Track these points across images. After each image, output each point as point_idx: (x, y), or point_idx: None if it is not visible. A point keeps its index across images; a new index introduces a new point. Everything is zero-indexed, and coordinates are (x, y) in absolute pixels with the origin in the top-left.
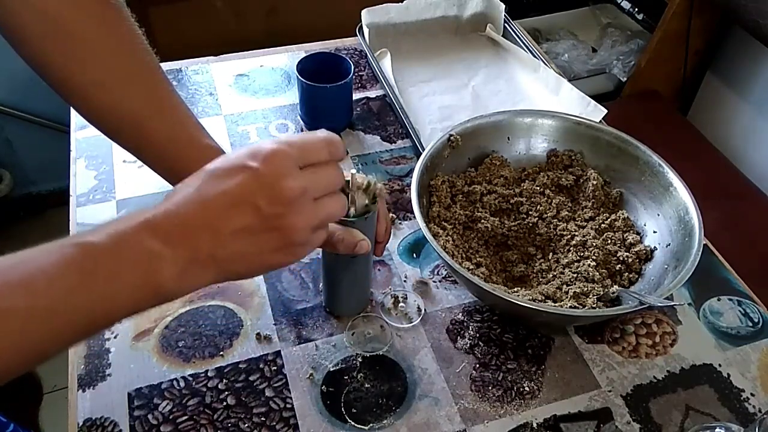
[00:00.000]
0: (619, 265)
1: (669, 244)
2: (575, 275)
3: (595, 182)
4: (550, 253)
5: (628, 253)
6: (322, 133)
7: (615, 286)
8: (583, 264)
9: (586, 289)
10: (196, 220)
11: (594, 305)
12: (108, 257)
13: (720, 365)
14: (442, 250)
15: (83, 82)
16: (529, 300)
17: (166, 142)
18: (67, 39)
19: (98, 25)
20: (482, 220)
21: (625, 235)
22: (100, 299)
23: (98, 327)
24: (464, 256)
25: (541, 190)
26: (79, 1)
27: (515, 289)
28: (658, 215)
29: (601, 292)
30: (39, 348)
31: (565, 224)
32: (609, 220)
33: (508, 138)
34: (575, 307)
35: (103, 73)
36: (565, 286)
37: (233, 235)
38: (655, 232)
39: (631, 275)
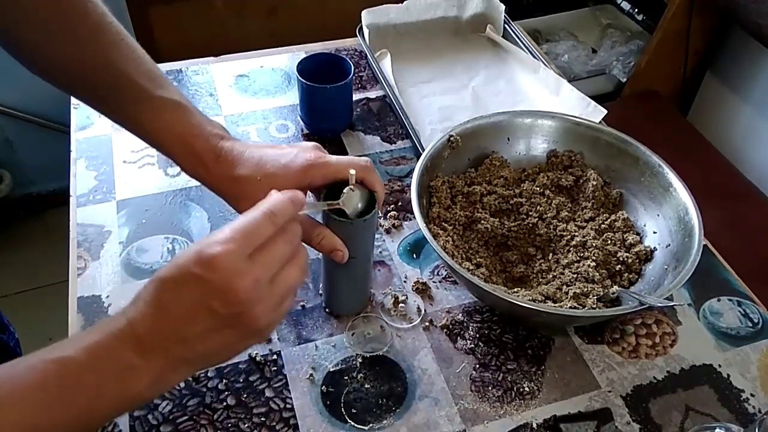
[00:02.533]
0: (619, 266)
1: (669, 245)
2: (575, 276)
3: (594, 183)
4: (550, 254)
5: (628, 254)
6: (264, 205)
7: (615, 287)
8: (583, 264)
9: (586, 289)
10: (163, 331)
11: (594, 306)
12: (88, 374)
13: (720, 366)
14: (442, 250)
15: (26, 40)
16: (529, 300)
17: (116, 96)
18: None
19: None
20: (482, 221)
21: (625, 236)
22: (81, 413)
23: None
24: (464, 256)
25: (541, 190)
26: None
27: (515, 290)
28: (658, 216)
29: (601, 293)
30: None
31: (565, 225)
32: (609, 220)
33: (508, 138)
34: (575, 308)
35: (44, 32)
36: (565, 287)
37: (199, 338)
38: (655, 232)
39: (631, 276)
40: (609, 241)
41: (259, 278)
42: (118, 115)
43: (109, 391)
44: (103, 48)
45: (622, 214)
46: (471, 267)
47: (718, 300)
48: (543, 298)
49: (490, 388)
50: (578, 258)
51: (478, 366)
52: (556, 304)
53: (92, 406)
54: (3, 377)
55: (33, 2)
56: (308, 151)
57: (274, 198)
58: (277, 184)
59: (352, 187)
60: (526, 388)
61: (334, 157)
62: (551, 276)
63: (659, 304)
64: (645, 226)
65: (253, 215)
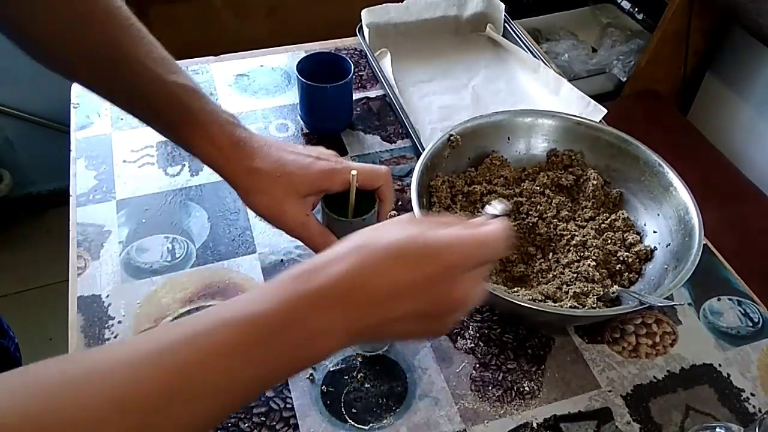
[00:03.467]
0: (619, 265)
1: (669, 244)
2: (575, 275)
3: (595, 182)
4: (550, 253)
5: (628, 253)
6: (501, 228)
7: (615, 286)
8: (583, 264)
9: (586, 289)
10: (367, 301)
11: (594, 305)
12: (286, 332)
13: (720, 365)
14: None
15: (41, 32)
16: (529, 300)
17: (128, 82)
18: None
19: None
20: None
21: (625, 235)
22: (273, 371)
23: (258, 394)
24: None
25: (541, 190)
26: None
27: (515, 289)
28: (658, 215)
29: (601, 292)
30: (213, 422)
31: (565, 224)
32: (609, 220)
33: (509, 138)
34: (575, 307)
35: (54, 20)
36: (565, 286)
37: (394, 321)
38: (655, 232)
39: (631, 275)
40: (609, 241)
41: (472, 292)
42: (132, 104)
43: (300, 350)
44: (113, 33)
45: (622, 214)
46: None
47: (719, 299)
48: (543, 298)
49: (490, 387)
50: (578, 257)
51: (478, 365)
52: (556, 304)
53: (283, 365)
54: (197, 332)
55: None
56: (329, 157)
57: (507, 226)
58: (294, 183)
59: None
60: (526, 388)
61: (355, 164)
62: (551, 275)
63: (659, 304)
64: (645, 225)
65: (495, 234)
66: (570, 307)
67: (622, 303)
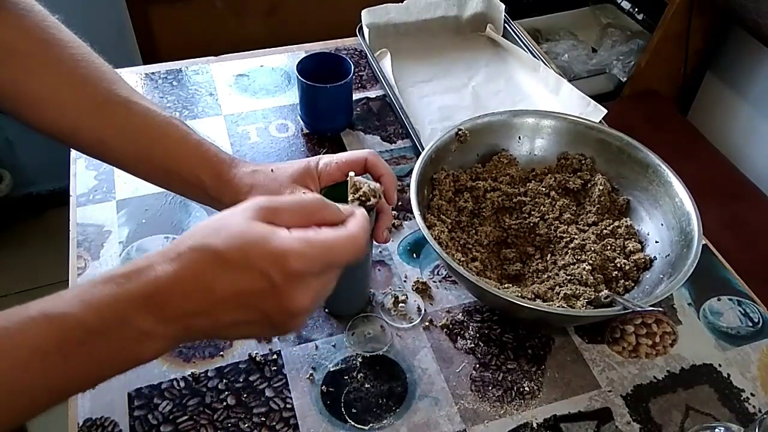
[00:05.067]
0: (616, 272)
1: (668, 255)
2: (569, 277)
3: (601, 188)
4: (549, 255)
5: (626, 261)
6: (354, 227)
7: (605, 291)
8: (579, 267)
9: (577, 291)
10: (199, 307)
11: (584, 308)
12: (94, 340)
13: (720, 365)
14: (435, 241)
15: (34, 98)
16: (517, 297)
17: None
18: (11, 56)
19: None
20: (482, 216)
21: (626, 243)
22: (80, 378)
23: (73, 395)
24: (458, 249)
25: (546, 191)
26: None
27: (506, 286)
28: (662, 225)
29: (593, 296)
30: (10, 421)
31: (566, 227)
32: (612, 226)
33: (519, 137)
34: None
35: (51, 85)
36: (557, 287)
37: (229, 326)
38: (657, 242)
39: (627, 283)
40: (609, 247)
41: (316, 299)
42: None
43: (114, 356)
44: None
45: (626, 221)
46: (463, 259)
47: (719, 299)
48: (533, 296)
49: (490, 387)
50: (575, 260)
51: (478, 366)
52: (545, 303)
53: (95, 372)
54: (4, 327)
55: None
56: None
57: (363, 221)
58: (285, 174)
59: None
60: (526, 388)
61: (333, 155)
62: (546, 276)
63: (639, 309)
64: (648, 234)
65: (343, 236)
66: (558, 308)
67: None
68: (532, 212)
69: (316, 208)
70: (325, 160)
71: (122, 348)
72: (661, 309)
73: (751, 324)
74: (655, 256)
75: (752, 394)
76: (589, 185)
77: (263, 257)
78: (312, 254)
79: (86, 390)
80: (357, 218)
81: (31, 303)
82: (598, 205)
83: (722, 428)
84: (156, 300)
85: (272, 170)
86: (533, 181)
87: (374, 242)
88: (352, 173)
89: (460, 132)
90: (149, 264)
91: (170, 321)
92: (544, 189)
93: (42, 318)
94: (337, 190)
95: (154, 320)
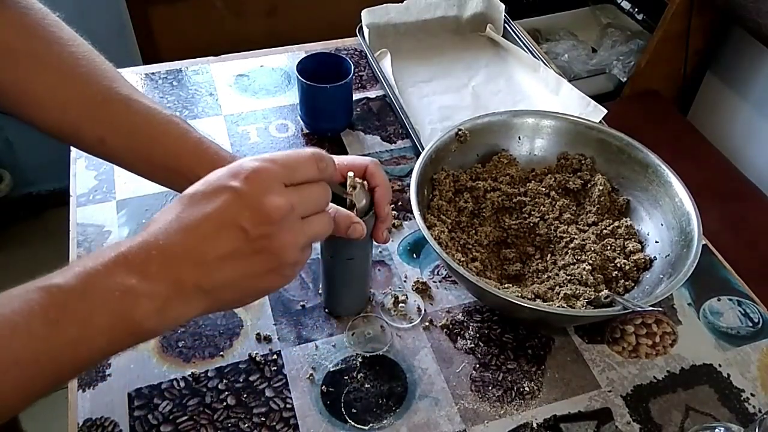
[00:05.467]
0: (616, 272)
1: (668, 255)
2: (569, 277)
3: (601, 188)
4: (549, 255)
5: (626, 261)
6: (309, 149)
7: (605, 291)
8: (579, 267)
9: (577, 291)
10: (177, 249)
11: (583, 308)
12: (76, 300)
13: (720, 365)
14: (435, 241)
15: (35, 97)
16: (517, 297)
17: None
18: (11, 55)
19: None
20: (482, 216)
21: (626, 243)
22: (68, 346)
23: (70, 373)
24: (458, 249)
25: (546, 191)
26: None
27: (506, 286)
28: (662, 225)
29: (592, 296)
30: (5, 399)
31: (566, 227)
32: (612, 226)
33: (519, 137)
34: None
35: (52, 84)
36: (557, 287)
37: (219, 261)
38: (657, 242)
39: (627, 283)
40: (609, 247)
41: (294, 206)
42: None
43: (101, 318)
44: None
45: (626, 221)
46: (463, 259)
47: (719, 300)
48: (533, 296)
49: (490, 387)
50: (575, 260)
51: (478, 366)
52: (545, 303)
53: (83, 337)
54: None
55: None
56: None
57: (320, 151)
58: None
59: (360, 182)
60: (526, 388)
61: (336, 156)
62: (546, 276)
63: (639, 309)
64: (648, 234)
65: (299, 153)
66: (558, 307)
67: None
68: (532, 212)
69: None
70: None
71: (108, 309)
72: (660, 309)
73: (751, 324)
74: (655, 256)
75: (752, 394)
76: (589, 185)
77: (220, 175)
78: (270, 158)
79: (86, 364)
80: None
81: (42, 278)
82: (598, 205)
83: (722, 428)
84: (134, 256)
85: None
86: (533, 181)
87: (374, 242)
88: (351, 173)
89: (460, 132)
90: (139, 232)
91: (153, 276)
92: (544, 189)
93: (33, 288)
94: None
95: (135, 276)
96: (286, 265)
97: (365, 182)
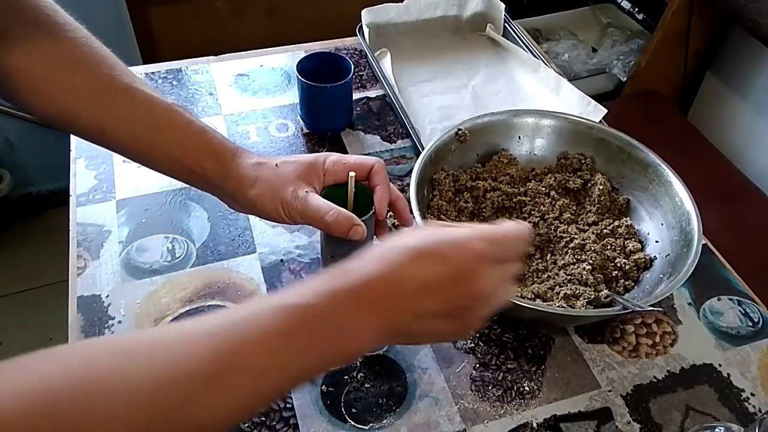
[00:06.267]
0: (616, 272)
1: (668, 255)
2: (569, 277)
3: (601, 187)
4: (549, 254)
5: (626, 260)
6: (517, 229)
7: (605, 291)
8: (579, 267)
9: (577, 291)
10: (396, 298)
11: (583, 308)
12: (324, 323)
13: (720, 365)
14: None
15: (31, 83)
16: (517, 297)
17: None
18: (4, 40)
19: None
20: (482, 217)
21: (626, 242)
22: (310, 361)
23: (285, 390)
24: None
25: (547, 191)
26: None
27: None
28: (662, 225)
29: (592, 296)
30: (253, 405)
31: (566, 226)
32: (612, 226)
33: (519, 137)
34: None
35: (49, 70)
36: (557, 287)
37: (423, 317)
38: (657, 241)
39: (627, 282)
40: (609, 247)
41: (497, 287)
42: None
43: (330, 343)
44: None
45: (627, 221)
46: None
47: (719, 299)
48: (533, 296)
49: (490, 387)
50: (575, 260)
51: (478, 365)
52: (545, 303)
53: (315, 355)
54: (248, 315)
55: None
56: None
57: (523, 229)
58: (290, 170)
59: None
60: (526, 388)
61: (342, 155)
62: (546, 276)
63: (639, 309)
64: (648, 234)
65: (512, 233)
66: (558, 307)
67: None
68: (532, 212)
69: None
70: (334, 158)
71: (337, 337)
72: (660, 309)
73: (751, 324)
74: (655, 256)
75: (752, 394)
76: (589, 185)
77: (442, 244)
78: (488, 239)
79: (305, 380)
80: (520, 225)
81: (281, 293)
82: (598, 205)
83: (722, 428)
84: (365, 293)
85: (277, 165)
86: (533, 181)
87: (373, 243)
88: (352, 173)
89: (459, 132)
90: (357, 266)
91: (376, 312)
92: (544, 189)
93: (279, 308)
94: (337, 190)
95: (364, 312)
96: (470, 329)
97: (366, 182)
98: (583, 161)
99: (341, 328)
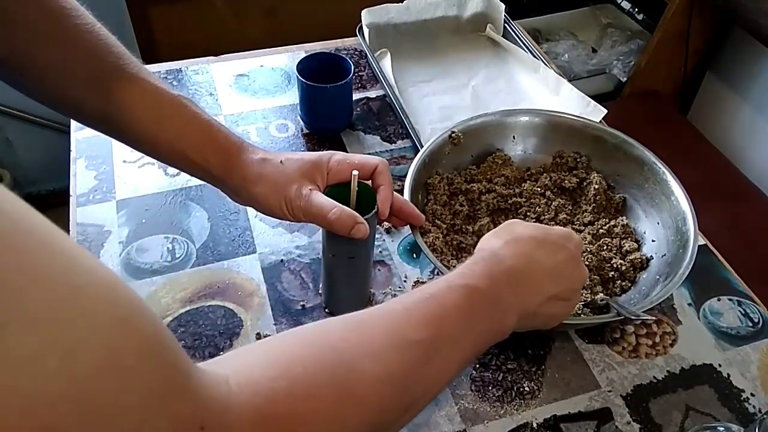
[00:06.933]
0: (613, 273)
1: (665, 255)
2: None
3: (597, 186)
4: None
5: (622, 261)
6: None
7: (601, 294)
8: None
9: None
10: (534, 282)
11: (580, 312)
12: (488, 304)
13: (720, 365)
14: (427, 247)
15: (36, 69)
16: None
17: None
18: (10, 25)
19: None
20: (478, 220)
21: (622, 242)
22: (480, 337)
23: (467, 362)
24: (453, 254)
25: (542, 191)
26: None
27: None
28: (658, 224)
29: (589, 299)
30: (453, 374)
31: (562, 227)
32: (608, 225)
33: (514, 137)
34: None
35: (54, 56)
36: None
37: (546, 300)
38: (653, 240)
39: (624, 283)
40: (605, 247)
41: (585, 276)
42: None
43: (491, 321)
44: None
45: (622, 220)
46: (458, 265)
47: (718, 300)
48: None
49: (490, 387)
50: None
51: (478, 366)
52: None
53: (482, 333)
54: (436, 293)
55: (30, 18)
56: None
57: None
58: (294, 167)
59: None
60: (526, 388)
61: (345, 154)
62: None
63: (633, 317)
64: (645, 233)
65: (574, 235)
66: None
67: (610, 311)
68: (528, 213)
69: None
70: (338, 157)
71: (497, 315)
72: (653, 318)
73: (751, 324)
74: (651, 256)
75: (752, 394)
76: (585, 183)
77: (559, 234)
78: (577, 237)
79: (471, 358)
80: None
81: (450, 276)
82: (594, 204)
83: (722, 428)
84: (515, 276)
85: (281, 162)
86: (528, 182)
87: (374, 242)
88: (355, 172)
89: (453, 134)
90: (500, 254)
91: (518, 294)
92: (539, 189)
93: (462, 287)
94: (340, 189)
95: (513, 294)
96: (571, 311)
97: (369, 182)
98: (578, 160)
99: (499, 307)
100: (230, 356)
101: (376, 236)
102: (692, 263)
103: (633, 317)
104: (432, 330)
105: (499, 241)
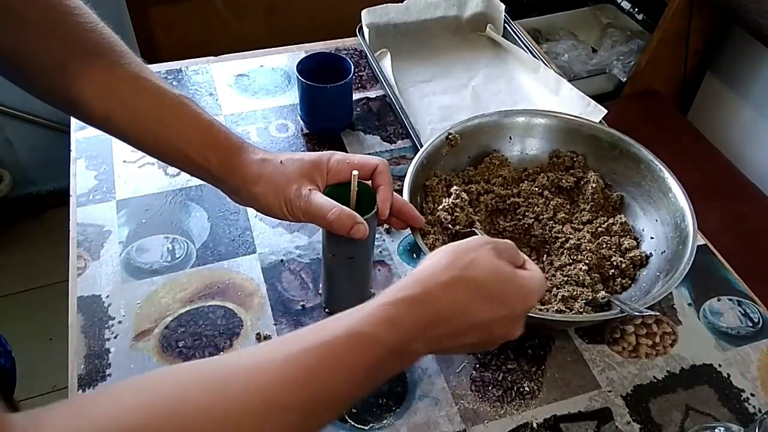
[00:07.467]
0: (613, 270)
1: (664, 251)
2: (566, 278)
3: (594, 185)
4: (545, 255)
5: (622, 259)
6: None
7: (602, 292)
8: (575, 267)
9: (575, 293)
10: (454, 330)
11: (581, 310)
12: (398, 356)
13: (720, 365)
14: (428, 249)
15: (39, 66)
16: None
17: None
18: (13, 21)
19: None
20: (477, 220)
21: (621, 240)
22: (375, 384)
23: (348, 405)
24: None
25: (540, 191)
26: None
27: None
28: (656, 221)
29: (590, 297)
30: (328, 422)
31: (561, 226)
32: (606, 224)
33: (510, 137)
34: (562, 311)
35: (57, 53)
36: (555, 289)
37: (461, 346)
38: (652, 238)
39: (624, 281)
40: (604, 245)
41: (532, 306)
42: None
43: (392, 369)
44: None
45: (621, 218)
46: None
47: (719, 300)
48: None
49: (490, 387)
50: (571, 261)
51: (478, 366)
52: (543, 306)
53: (379, 379)
54: (321, 343)
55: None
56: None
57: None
58: (294, 167)
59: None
60: (526, 388)
61: (346, 154)
62: None
63: (636, 313)
64: (643, 230)
65: (538, 290)
66: (556, 310)
67: (612, 308)
68: (526, 213)
69: (516, 252)
70: (338, 157)
71: (402, 364)
72: (656, 313)
73: (751, 324)
74: (650, 253)
75: (752, 394)
76: (582, 182)
77: (518, 290)
78: (537, 295)
79: (360, 397)
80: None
81: (357, 316)
82: (592, 203)
83: (722, 428)
84: (431, 331)
85: (281, 161)
86: (526, 182)
87: (374, 242)
88: (355, 172)
89: (450, 136)
90: (431, 292)
91: (433, 342)
92: (537, 189)
93: (354, 336)
94: (340, 189)
95: (423, 342)
96: (493, 346)
97: (369, 182)
98: (575, 159)
99: (404, 359)
100: (56, 413)
101: (376, 236)
102: (692, 259)
103: (636, 313)
104: (313, 392)
105: (446, 274)
